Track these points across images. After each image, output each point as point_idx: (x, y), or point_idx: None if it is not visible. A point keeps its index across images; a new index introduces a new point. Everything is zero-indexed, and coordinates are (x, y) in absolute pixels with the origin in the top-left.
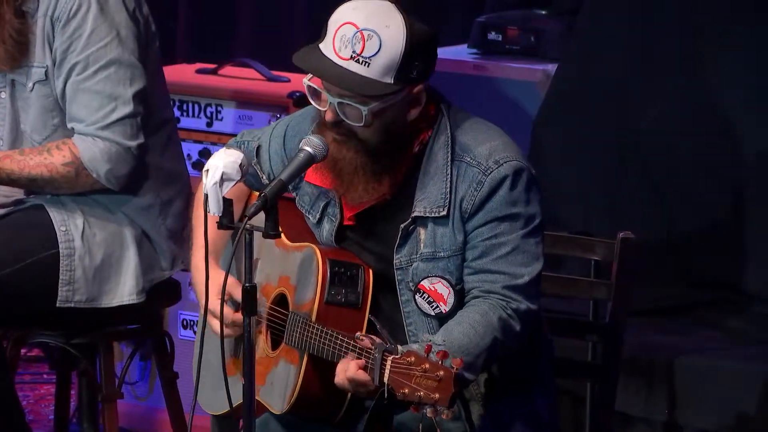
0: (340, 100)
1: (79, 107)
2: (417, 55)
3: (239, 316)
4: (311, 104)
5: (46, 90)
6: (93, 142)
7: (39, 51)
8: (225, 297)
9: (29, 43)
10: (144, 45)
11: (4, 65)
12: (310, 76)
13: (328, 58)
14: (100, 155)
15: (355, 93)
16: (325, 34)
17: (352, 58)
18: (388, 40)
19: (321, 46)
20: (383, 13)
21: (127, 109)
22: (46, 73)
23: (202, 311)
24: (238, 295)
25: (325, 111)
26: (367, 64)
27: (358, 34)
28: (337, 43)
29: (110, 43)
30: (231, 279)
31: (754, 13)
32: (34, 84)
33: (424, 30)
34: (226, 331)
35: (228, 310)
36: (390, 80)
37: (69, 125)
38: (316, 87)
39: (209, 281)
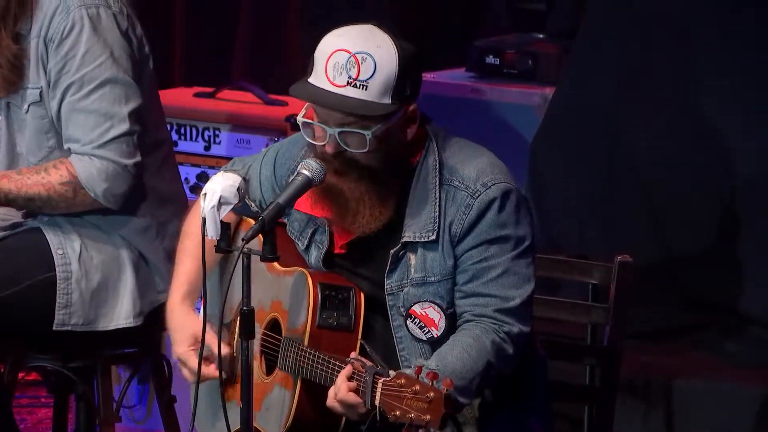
0: (340, 129)
1: (75, 127)
2: (409, 71)
3: (210, 371)
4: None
5: (41, 111)
6: (90, 161)
7: (33, 72)
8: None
9: (24, 66)
10: (138, 64)
11: (0, 90)
12: (303, 112)
13: (323, 89)
14: (97, 174)
15: (358, 117)
16: (313, 67)
17: (348, 83)
18: (382, 60)
19: (311, 80)
20: (370, 35)
21: (123, 127)
22: (40, 94)
23: (179, 355)
24: (213, 347)
25: (324, 145)
26: (364, 88)
27: (352, 58)
28: (330, 72)
29: (105, 63)
30: (207, 328)
31: (747, 35)
32: (29, 106)
33: (411, 46)
34: (191, 377)
35: (203, 366)
36: (388, 100)
37: (65, 146)
38: (311, 122)
39: (183, 329)
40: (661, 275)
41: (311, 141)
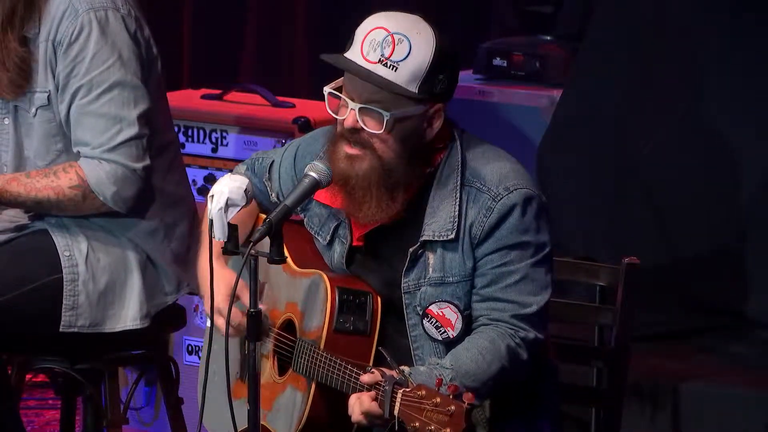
0: (362, 105)
1: (84, 131)
2: (443, 68)
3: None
4: (325, 121)
5: (49, 115)
6: (99, 165)
7: (41, 76)
8: (234, 299)
9: (32, 69)
10: (146, 67)
11: (7, 94)
12: (332, 84)
13: (355, 62)
14: (107, 178)
15: (382, 92)
16: (352, 43)
17: (380, 61)
18: (418, 46)
19: (347, 54)
20: (414, 22)
21: (132, 130)
22: (48, 98)
23: (208, 323)
24: (246, 296)
25: (345, 118)
26: (394, 68)
27: (389, 37)
28: (365, 47)
29: (113, 66)
30: (241, 281)
31: (753, 39)
32: (36, 109)
33: (451, 46)
34: (231, 330)
35: (237, 313)
36: (414, 89)
37: (74, 149)
38: (337, 94)
39: (218, 280)
40: (666, 278)
41: (331, 112)
